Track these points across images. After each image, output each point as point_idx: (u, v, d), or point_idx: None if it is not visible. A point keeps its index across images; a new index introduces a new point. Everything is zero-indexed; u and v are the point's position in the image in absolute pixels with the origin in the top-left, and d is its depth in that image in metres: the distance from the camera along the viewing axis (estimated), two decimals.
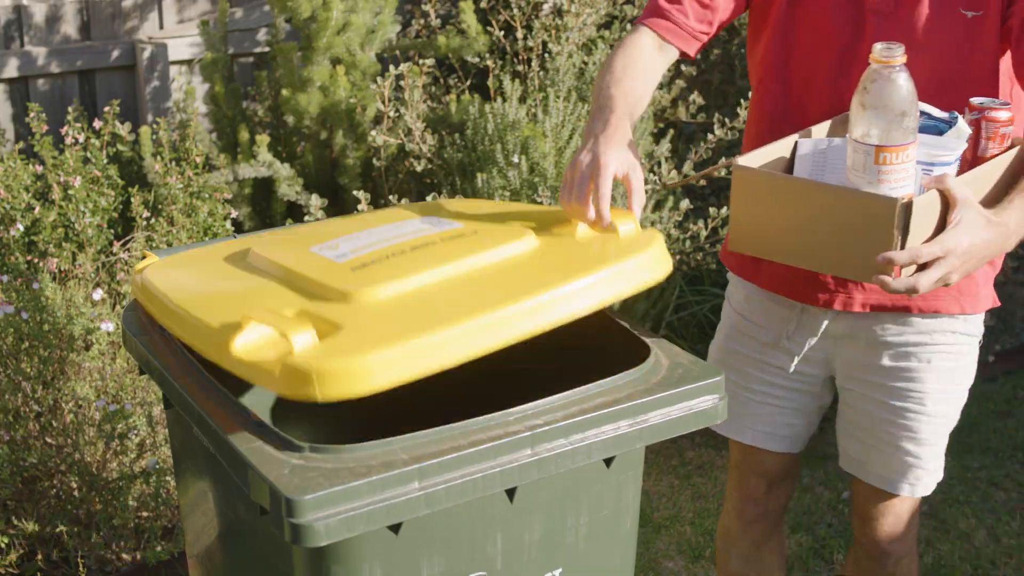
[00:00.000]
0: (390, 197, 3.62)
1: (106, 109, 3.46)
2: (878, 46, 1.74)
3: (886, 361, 2.07)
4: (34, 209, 3.07)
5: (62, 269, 3.04)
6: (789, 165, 1.96)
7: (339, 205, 3.76)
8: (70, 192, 3.12)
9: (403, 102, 3.64)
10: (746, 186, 1.88)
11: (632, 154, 1.80)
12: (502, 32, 3.92)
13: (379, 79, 3.65)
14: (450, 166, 3.57)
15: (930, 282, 1.72)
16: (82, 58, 3.87)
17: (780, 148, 1.95)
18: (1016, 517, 3.32)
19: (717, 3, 2.04)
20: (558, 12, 3.81)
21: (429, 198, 3.27)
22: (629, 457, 1.67)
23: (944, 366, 2.06)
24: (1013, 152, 1.89)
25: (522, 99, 3.65)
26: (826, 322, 2.09)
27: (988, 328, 4.03)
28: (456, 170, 3.55)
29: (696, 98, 3.89)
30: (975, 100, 1.90)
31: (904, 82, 1.74)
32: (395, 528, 1.46)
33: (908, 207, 1.69)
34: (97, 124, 3.39)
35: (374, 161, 3.65)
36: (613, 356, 1.75)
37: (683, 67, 4.11)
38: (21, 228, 3.04)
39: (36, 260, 3.05)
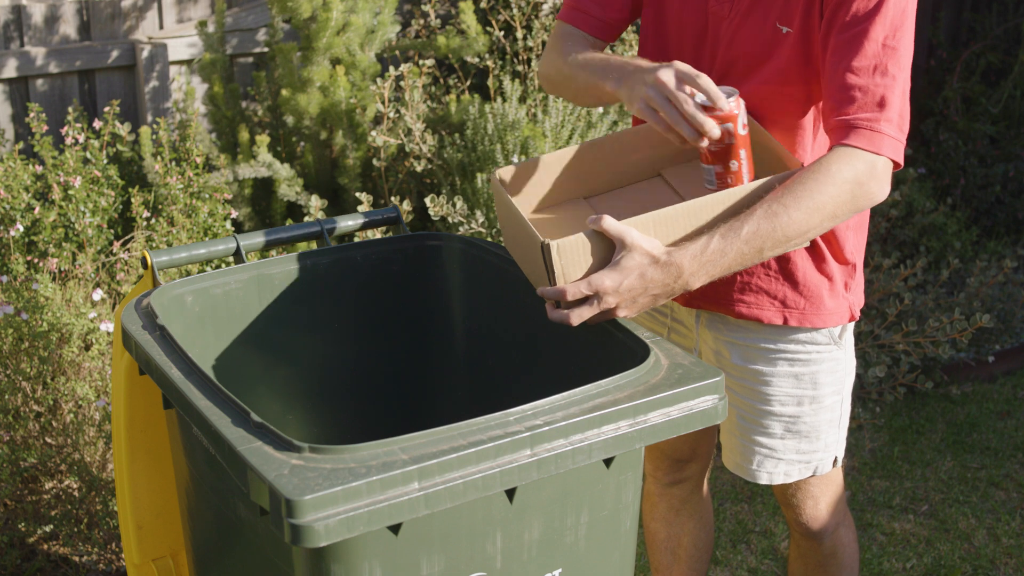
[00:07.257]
0: (391, 198, 3.62)
1: (106, 109, 3.46)
2: None
3: (735, 359, 2.09)
4: (34, 209, 3.07)
5: (62, 269, 3.04)
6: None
7: (339, 205, 3.76)
8: (70, 192, 3.12)
9: (403, 102, 3.64)
10: (495, 195, 1.95)
11: None
12: (502, 32, 3.92)
13: (379, 79, 3.65)
14: (450, 166, 3.57)
15: (582, 317, 1.72)
16: (81, 58, 3.87)
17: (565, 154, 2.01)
18: (1016, 517, 3.32)
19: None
20: (557, 12, 3.81)
21: (428, 199, 3.27)
22: (629, 457, 1.67)
23: (790, 371, 2.07)
24: (748, 188, 1.80)
25: (522, 99, 3.65)
26: (673, 309, 2.15)
27: (988, 329, 4.02)
28: (456, 170, 3.55)
29: None
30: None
31: None
32: (395, 528, 1.46)
33: (547, 248, 1.71)
34: (97, 124, 3.39)
35: (374, 161, 3.65)
36: (613, 356, 1.75)
37: None
38: (21, 228, 3.04)
39: (36, 260, 3.05)
